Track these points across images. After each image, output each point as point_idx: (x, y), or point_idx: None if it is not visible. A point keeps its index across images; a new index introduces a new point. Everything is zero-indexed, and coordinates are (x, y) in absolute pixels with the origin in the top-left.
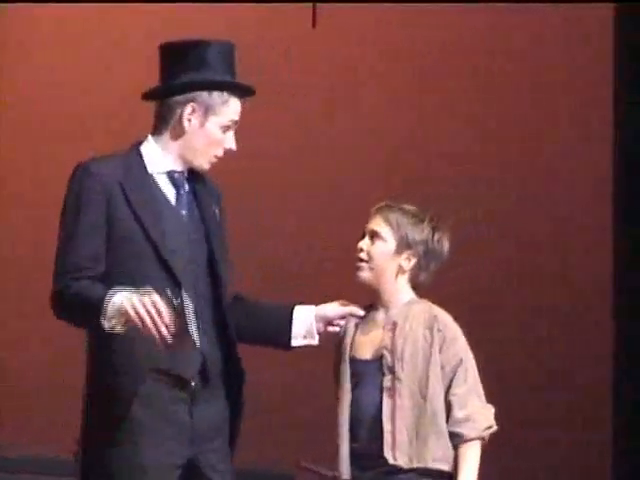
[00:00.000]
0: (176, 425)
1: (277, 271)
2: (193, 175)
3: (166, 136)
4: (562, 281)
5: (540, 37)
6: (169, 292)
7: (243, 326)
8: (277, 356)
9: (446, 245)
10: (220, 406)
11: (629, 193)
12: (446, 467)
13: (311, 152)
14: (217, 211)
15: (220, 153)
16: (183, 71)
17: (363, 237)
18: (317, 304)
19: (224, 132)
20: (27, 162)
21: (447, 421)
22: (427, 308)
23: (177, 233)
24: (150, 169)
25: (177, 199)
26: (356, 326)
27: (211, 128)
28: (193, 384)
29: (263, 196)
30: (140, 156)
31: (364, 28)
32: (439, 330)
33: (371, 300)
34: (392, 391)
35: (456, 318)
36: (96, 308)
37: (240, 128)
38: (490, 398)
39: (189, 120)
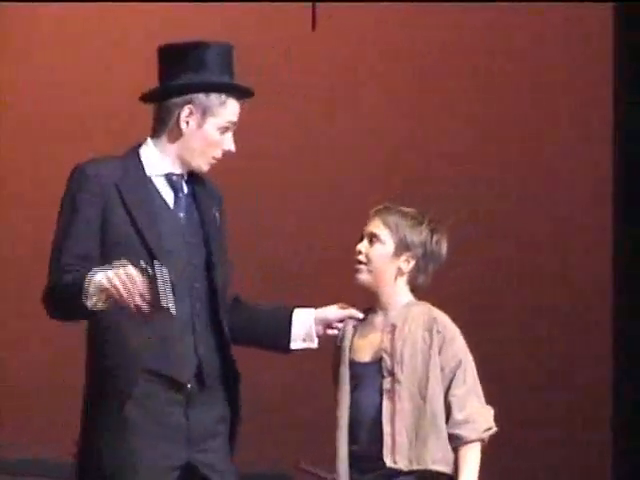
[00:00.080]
0: (171, 427)
1: (277, 271)
2: (193, 178)
3: (164, 138)
4: (562, 281)
5: (540, 37)
6: (142, 262)
7: (242, 329)
8: (277, 356)
9: (444, 247)
10: (217, 408)
11: (629, 193)
12: (446, 469)
13: (311, 152)
14: (217, 214)
15: (219, 155)
16: (181, 73)
17: (362, 239)
18: (317, 304)
19: (222, 133)
20: (27, 162)
21: (446, 423)
22: (426, 310)
23: (173, 236)
24: (148, 172)
25: (175, 202)
26: (355, 329)
27: (209, 130)
28: (189, 386)
29: (263, 196)
30: (138, 158)
31: (364, 28)
32: (438, 332)
33: (370, 302)
34: (392, 393)
35: (456, 318)
36: (79, 289)
37: (240, 128)
38: (490, 398)
39: (187, 122)
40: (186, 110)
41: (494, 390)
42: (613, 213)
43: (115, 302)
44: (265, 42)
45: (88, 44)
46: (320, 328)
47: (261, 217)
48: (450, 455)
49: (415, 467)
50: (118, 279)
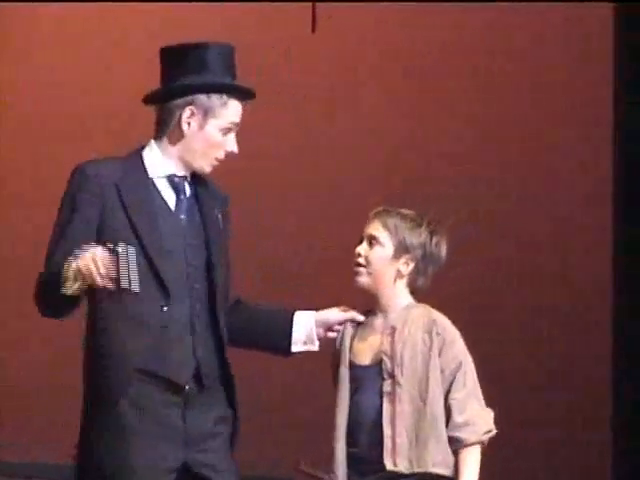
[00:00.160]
0: (169, 428)
1: (277, 271)
2: (197, 179)
3: (166, 140)
4: (562, 281)
5: (540, 37)
6: (109, 244)
7: (243, 331)
8: (276, 357)
9: (444, 249)
10: (215, 409)
11: (629, 193)
12: (446, 472)
13: (311, 152)
14: (220, 215)
15: (221, 156)
16: (183, 74)
17: (361, 242)
18: (317, 304)
19: (224, 135)
20: (27, 162)
21: (446, 425)
22: (426, 312)
23: (174, 237)
24: (151, 173)
25: (177, 204)
26: (355, 331)
27: (210, 131)
28: (187, 388)
29: (263, 196)
30: (141, 160)
31: (364, 28)
32: (438, 334)
33: (369, 305)
34: (392, 396)
35: (456, 318)
36: (58, 277)
37: (240, 128)
38: (490, 398)
39: (188, 123)
40: (187, 111)
41: (494, 390)
42: (613, 213)
43: (89, 285)
44: (265, 42)
45: (88, 44)
46: (321, 331)
47: (261, 217)
48: (450, 458)
49: (415, 469)
50: (86, 260)
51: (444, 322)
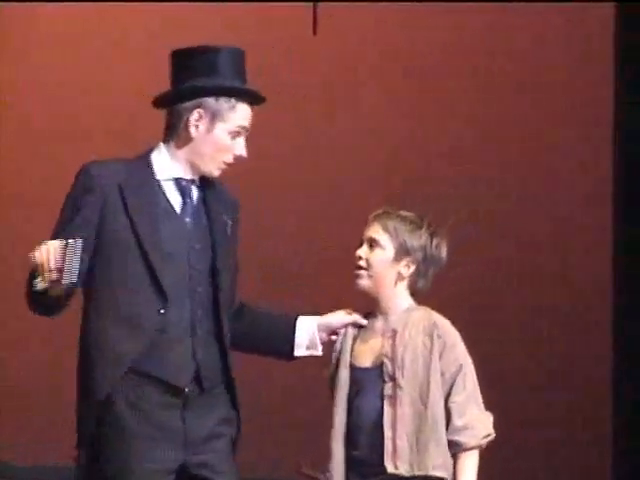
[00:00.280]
0: (168, 430)
1: (277, 271)
2: (206, 183)
3: (175, 143)
4: (562, 281)
5: (540, 37)
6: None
7: (245, 335)
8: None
9: (444, 251)
10: (217, 411)
11: (629, 193)
12: (446, 475)
13: (311, 152)
14: (229, 220)
15: (230, 159)
16: (192, 77)
17: (361, 245)
18: (317, 304)
19: (233, 138)
20: (27, 162)
21: (446, 429)
22: (426, 315)
23: (177, 240)
24: (158, 176)
25: (182, 207)
26: (355, 334)
27: (219, 134)
28: (187, 391)
29: (263, 196)
30: (148, 162)
31: (364, 28)
32: (439, 336)
33: (370, 307)
34: (393, 399)
35: (456, 318)
36: (34, 274)
37: None
38: (490, 398)
39: (196, 126)
40: (195, 114)
41: (494, 390)
42: (613, 213)
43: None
44: (265, 42)
45: (88, 44)
46: (324, 335)
47: (261, 217)
48: (450, 461)
49: (416, 472)
50: (40, 253)
51: (445, 325)
